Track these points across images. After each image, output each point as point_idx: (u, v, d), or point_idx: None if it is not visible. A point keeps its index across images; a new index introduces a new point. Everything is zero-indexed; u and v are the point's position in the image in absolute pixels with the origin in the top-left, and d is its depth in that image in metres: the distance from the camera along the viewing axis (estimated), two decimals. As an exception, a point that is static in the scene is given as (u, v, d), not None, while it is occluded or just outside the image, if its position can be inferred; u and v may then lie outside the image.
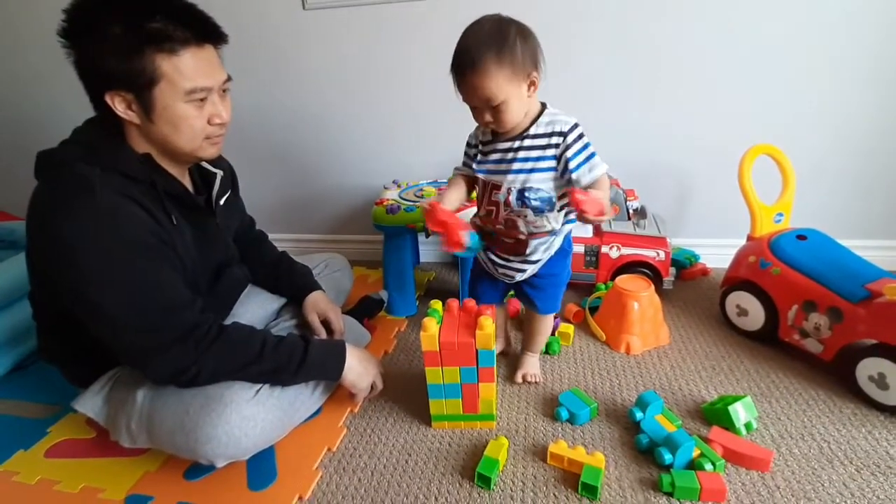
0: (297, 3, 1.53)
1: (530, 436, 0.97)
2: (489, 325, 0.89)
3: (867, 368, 0.98)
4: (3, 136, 1.95)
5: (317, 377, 0.97)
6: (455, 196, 0.98)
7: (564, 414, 0.99)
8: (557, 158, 0.88)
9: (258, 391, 0.88)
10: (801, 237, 1.18)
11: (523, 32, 0.84)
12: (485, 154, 0.95)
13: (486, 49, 0.80)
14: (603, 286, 1.39)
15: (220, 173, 0.99)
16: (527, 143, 0.89)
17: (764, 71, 1.39)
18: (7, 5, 1.71)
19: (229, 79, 0.86)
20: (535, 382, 1.11)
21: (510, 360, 1.19)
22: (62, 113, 1.74)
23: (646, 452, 0.91)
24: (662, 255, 1.36)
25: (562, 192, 0.91)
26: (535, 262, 0.99)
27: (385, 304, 1.44)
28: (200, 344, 0.82)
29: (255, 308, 1.14)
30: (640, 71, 1.45)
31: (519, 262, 0.99)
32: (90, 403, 0.92)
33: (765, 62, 1.38)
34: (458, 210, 0.99)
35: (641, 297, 1.19)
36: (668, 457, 0.86)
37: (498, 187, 0.92)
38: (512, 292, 1.13)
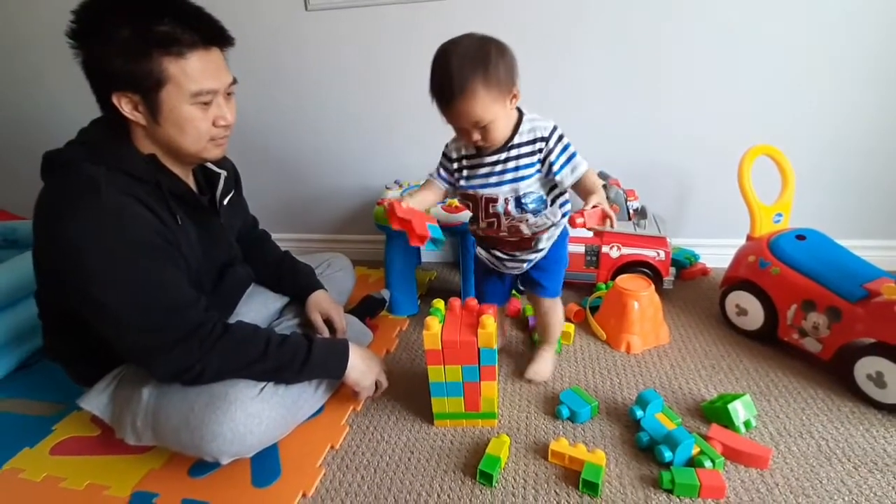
0: (300, 5, 1.54)
1: (532, 434, 0.98)
2: (491, 323, 0.90)
3: (865, 367, 0.99)
4: (4, 136, 1.95)
5: (320, 375, 0.98)
6: (427, 198, 0.98)
7: (565, 412, 1.00)
8: (541, 161, 0.90)
9: (262, 389, 0.89)
10: (800, 237, 1.19)
11: (500, 49, 0.83)
12: (471, 168, 0.95)
13: (470, 74, 0.80)
14: (603, 286, 1.40)
15: (223, 173, 1.00)
16: (514, 153, 0.90)
17: (764, 71, 1.40)
18: (7, 5, 1.72)
19: (235, 81, 0.87)
20: (543, 382, 1.12)
21: (516, 357, 1.20)
22: (63, 113, 1.75)
23: (646, 450, 0.92)
24: (662, 254, 1.36)
25: (550, 186, 0.93)
26: (541, 251, 1.02)
27: (387, 304, 1.44)
28: (205, 342, 0.82)
29: (258, 307, 1.14)
30: (641, 71, 1.45)
31: (526, 254, 1.01)
32: (95, 401, 0.93)
33: (765, 62, 1.39)
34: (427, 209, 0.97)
35: (642, 297, 1.20)
36: (668, 454, 0.86)
37: (494, 200, 0.94)
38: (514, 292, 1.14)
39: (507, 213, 0.94)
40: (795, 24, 1.34)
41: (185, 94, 0.79)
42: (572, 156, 0.89)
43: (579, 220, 0.79)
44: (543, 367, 1.13)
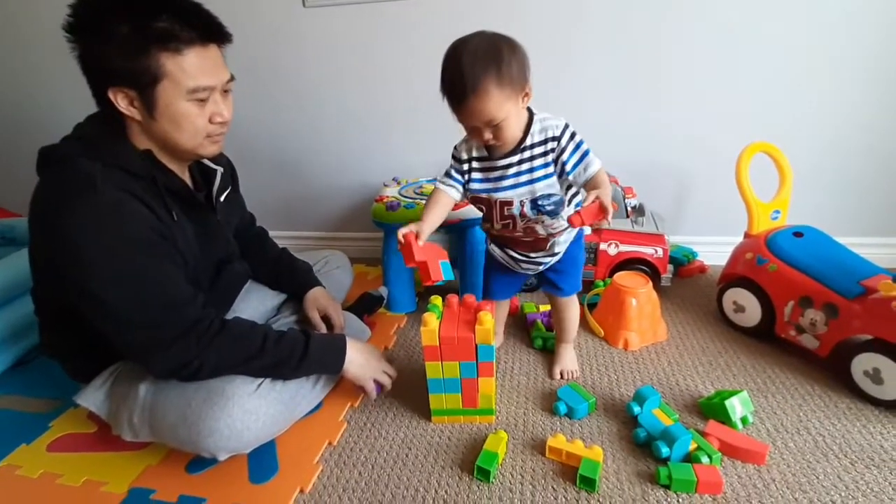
0: (298, 1, 1.53)
1: (529, 430, 0.98)
2: (488, 320, 0.90)
3: (862, 364, 0.99)
4: (2, 134, 1.95)
5: (318, 371, 0.97)
6: (437, 217, 0.94)
7: (563, 408, 1.00)
8: (554, 161, 0.89)
9: (260, 385, 0.89)
10: (797, 234, 1.19)
11: (512, 46, 0.82)
12: (483, 171, 0.93)
13: (483, 72, 0.78)
14: (601, 283, 1.40)
15: (220, 170, 0.99)
16: (526, 154, 0.89)
17: (763, 70, 1.40)
18: (7, 4, 1.71)
19: (232, 78, 0.87)
20: (574, 379, 1.12)
21: (514, 354, 1.20)
22: (61, 111, 1.74)
23: (643, 446, 0.92)
24: (660, 252, 1.37)
25: (567, 185, 0.92)
26: (556, 254, 1.01)
27: (385, 301, 1.44)
28: (202, 339, 0.82)
29: (256, 304, 1.14)
30: (640, 70, 1.45)
31: (541, 256, 1.01)
32: (92, 398, 0.92)
33: (764, 61, 1.39)
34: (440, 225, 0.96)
35: (639, 294, 1.20)
36: (665, 450, 0.87)
37: (510, 203, 0.92)
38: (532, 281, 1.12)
39: (522, 214, 0.93)
40: (794, 23, 1.34)
41: (182, 90, 0.79)
42: (585, 153, 0.87)
43: (577, 220, 0.78)
44: (569, 362, 1.13)
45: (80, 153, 0.79)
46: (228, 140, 0.92)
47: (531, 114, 0.89)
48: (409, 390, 1.09)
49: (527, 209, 0.92)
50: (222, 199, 1.01)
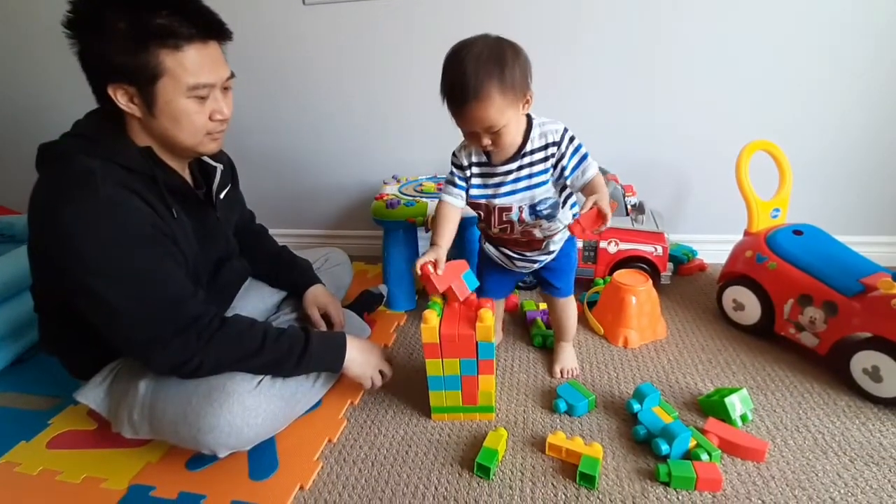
0: (297, -1, 1.53)
1: (529, 427, 0.98)
2: (489, 317, 0.90)
3: (861, 361, 0.99)
4: (0, 131, 1.94)
5: (318, 369, 0.97)
6: (450, 233, 0.94)
7: (563, 406, 1.00)
8: (554, 166, 0.89)
9: (260, 382, 0.89)
10: (797, 232, 1.19)
11: (516, 51, 0.81)
12: (483, 177, 0.93)
13: (486, 77, 0.77)
14: (601, 281, 1.40)
15: (220, 167, 0.99)
16: (526, 160, 0.89)
17: (762, 69, 1.40)
18: (7, 3, 1.71)
19: (232, 75, 0.86)
20: (575, 377, 1.12)
21: (514, 351, 1.20)
22: (60, 108, 1.73)
23: (643, 443, 0.92)
24: (660, 250, 1.37)
25: (561, 188, 0.92)
26: (551, 253, 1.02)
27: (385, 299, 1.44)
28: (202, 335, 0.82)
29: (256, 301, 1.14)
30: (640, 68, 1.45)
31: (536, 254, 1.01)
32: (92, 395, 0.92)
33: (763, 60, 1.39)
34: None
35: (639, 292, 1.20)
36: (664, 447, 0.87)
37: (508, 209, 0.92)
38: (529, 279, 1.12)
39: (521, 220, 0.93)
40: (794, 22, 1.34)
41: (182, 87, 0.79)
42: (584, 157, 0.87)
43: (577, 229, 0.79)
44: (569, 360, 1.13)
45: (79, 150, 0.79)
46: (228, 137, 0.92)
47: (530, 119, 0.89)
48: (410, 387, 1.09)
49: (525, 214, 0.92)
50: (222, 196, 1.00)
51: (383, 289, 1.45)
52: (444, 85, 0.81)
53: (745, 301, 1.21)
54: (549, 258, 1.03)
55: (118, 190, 0.78)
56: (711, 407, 0.97)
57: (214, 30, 0.82)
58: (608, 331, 1.25)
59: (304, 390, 0.97)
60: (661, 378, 1.10)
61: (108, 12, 0.74)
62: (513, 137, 0.86)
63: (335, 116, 1.69)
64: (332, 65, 1.61)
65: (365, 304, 1.39)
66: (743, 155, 1.25)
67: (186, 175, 0.94)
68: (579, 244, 1.40)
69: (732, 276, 1.25)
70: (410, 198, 1.39)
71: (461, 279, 0.90)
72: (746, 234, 1.28)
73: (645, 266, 1.37)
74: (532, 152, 0.88)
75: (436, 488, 0.86)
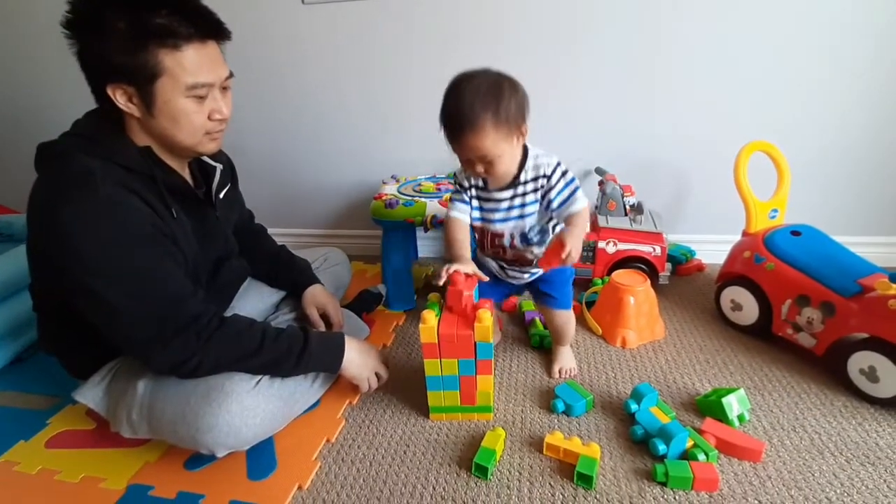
0: (297, -2, 1.53)
1: (527, 427, 0.99)
2: (487, 317, 0.90)
3: (858, 362, 1.00)
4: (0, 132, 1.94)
5: (316, 369, 0.98)
6: (468, 245, 0.97)
7: (561, 406, 1.01)
8: (542, 197, 0.92)
9: (258, 382, 0.89)
10: (795, 233, 1.19)
11: (514, 86, 0.85)
12: (480, 200, 0.97)
13: (482, 110, 0.81)
14: (599, 281, 1.40)
15: (219, 166, 0.99)
16: (520, 189, 0.93)
17: (762, 69, 1.40)
18: (6, 3, 1.71)
19: (231, 75, 0.87)
20: (573, 377, 1.12)
21: (512, 352, 1.21)
22: (59, 107, 1.73)
23: (640, 443, 0.92)
24: (658, 250, 1.37)
25: (548, 218, 0.96)
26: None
27: (383, 299, 1.44)
28: (202, 335, 0.82)
29: (255, 301, 1.15)
30: (639, 68, 1.46)
31: (529, 268, 1.03)
32: (91, 394, 0.92)
33: (763, 60, 1.39)
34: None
35: (637, 292, 1.20)
36: (662, 447, 0.87)
37: (500, 235, 0.97)
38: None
39: (512, 245, 0.98)
40: (794, 22, 1.35)
41: (181, 87, 0.79)
42: (573, 192, 0.90)
43: (543, 263, 0.87)
44: (567, 360, 1.13)
45: (78, 149, 0.79)
46: (227, 136, 0.92)
47: (526, 150, 0.92)
48: (408, 388, 1.09)
49: (517, 241, 0.97)
50: (221, 195, 1.01)
51: (382, 288, 1.45)
52: (443, 113, 0.85)
53: (743, 301, 1.22)
54: (541, 271, 1.04)
55: (117, 189, 0.78)
56: (709, 407, 0.98)
57: (213, 29, 0.82)
58: (606, 331, 1.25)
59: (303, 390, 0.98)
60: (659, 378, 1.10)
61: (107, 12, 0.74)
62: (507, 167, 0.89)
63: (334, 116, 1.69)
64: (332, 64, 1.61)
65: (364, 303, 1.40)
66: (741, 156, 1.25)
67: (186, 174, 0.94)
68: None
69: (730, 276, 1.26)
70: (409, 198, 1.40)
71: (473, 291, 0.94)
72: (744, 234, 1.28)
73: (643, 266, 1.38)
74: (525, 182, 0.92)
75: (434, 488, 0.87)
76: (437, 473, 0.90)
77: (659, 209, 1.55)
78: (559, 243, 0.83)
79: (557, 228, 0.98)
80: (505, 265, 1.04)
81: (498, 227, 0.96)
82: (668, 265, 1.40)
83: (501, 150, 0.85)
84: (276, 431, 0.93)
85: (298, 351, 0.91)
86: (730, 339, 1.22)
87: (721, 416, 0.95)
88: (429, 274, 1.66)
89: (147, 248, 0.79)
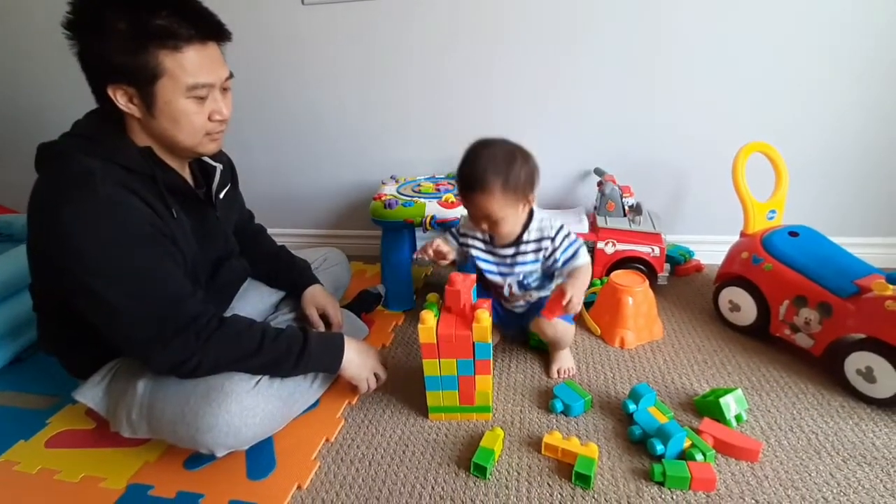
0: (296, -1, 1.53)
1: (525, 427, 0.99)
2: (486, 318, 0.91)
3: (855, 362, 1.00)
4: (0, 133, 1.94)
5: (316, 369, 0.98)
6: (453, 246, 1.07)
7: (559, 406, 1.01)
8: (545, 257, 1.01)
9: (258, 382, 0.89)
10: (793, 234, 1.20)
11: (527, 159, 0.93)
12: (482, 252, 1.06)
13: (493, 177, 0.90)
14: (598, 281, 1.40)
15: (219, 167, 0.99)
16: (522, 248, 1.02)
17: (762, 69, 1.40)
18: (6, 3, 1.71)
19: (231, 76, 0.87)
20: (571, 376, 1.13)
21: (511, 352, 1.21)
22: (59, 108, 1.74)
23: (638, 443, 0.93)
24: (657, 251, 1.37)
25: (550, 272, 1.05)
26: (546, 296, 1.09)
27: (383, 299, 1.45)
28: (201, 335, 0.83)
29: (254, 301, 1.15)
30: (638, 68, 1.46)
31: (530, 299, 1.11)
32: (90, 394, 0.93)
33: (763, 60, 1.40)
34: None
35: (636, 293, 1.21)
36: (659, 447, 0.87)
37: (500, 286, 1.07)
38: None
39: (511, 294, 1.08)
40: (794, 22, 1.35)
41: (181, 87, 0.79)
42: (576, 252, 0.99)
43: (547, 314, 0.96)
44: (566, 361, 1.14)
45: (78, 150, 0.80)
46: (226, 137, 0.92)
47: (531, 213, 1.00)
48: (407, 388, 1.09)
49: (515, 290, 1.07)
50: (222, 196, 1.01)
51: (381, 289, 1.45)
52: (459, 172, 0.94)
53: (741, 302, 1.22)
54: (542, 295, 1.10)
55: (117, 189, 0.78)
56: (706, 407, 0.98)
57: (214, 30, 0.82)
58: (605, 331, 1.26)
59: (302, 390, 0.98)
60: (657, 378, 1.11)
61: (107, 13, 0.75)
62: (510, 229, 0.98)
63: (334, 116, 1.69)
64: (331, 64, 1.61)
65: (363, 303, 1.40)
66: (739, 157, 1.26)
67: (186, 175, 0.94)
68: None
69: (728, 277, 1.26)
70: (408, 198, 1.40)
71: (471, 292, 0.96)
72: (742, 235, 1.28)
73: (642, 267, 1.38)
74: (527, 242, 1.01)
75: (433, 488, 0.87)
76: (435, 473, 0.90)
77: (657, 210, 1.55)
78: (560, 293, 0.91)
79: (559, 280, 1.05)
80: (506, 293, 1.09)
81: (498, 280, 1.06)
82: (667, 266, 1.41)
83: (506, 213, 0.93)
84: (275, 431, 0.93)
85: (298, 351, 0.91)
86: (728, 340, 1.22)
87: (719, 416, 0.95)
88: (428, 274, 1.67)
89: (147, 248, 0.80)
